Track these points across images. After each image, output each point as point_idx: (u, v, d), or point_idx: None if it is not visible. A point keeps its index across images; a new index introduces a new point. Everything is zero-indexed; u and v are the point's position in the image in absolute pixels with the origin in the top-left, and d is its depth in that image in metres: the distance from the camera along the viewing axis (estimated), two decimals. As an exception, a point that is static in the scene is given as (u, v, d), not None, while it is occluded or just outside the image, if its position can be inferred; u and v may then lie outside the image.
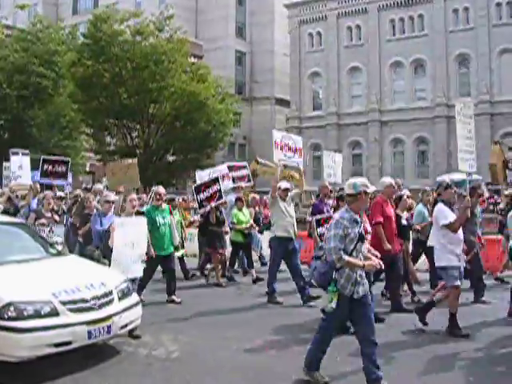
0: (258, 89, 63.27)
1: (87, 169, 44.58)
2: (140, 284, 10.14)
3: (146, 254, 9.02)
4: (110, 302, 7.11)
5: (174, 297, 10.91)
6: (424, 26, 50.48)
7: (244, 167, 16.38)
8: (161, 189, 11.19)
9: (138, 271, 8.69)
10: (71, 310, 6.60)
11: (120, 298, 7.31)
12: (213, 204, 13.01)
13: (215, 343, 7.90)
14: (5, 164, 16.29)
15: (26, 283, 6.80)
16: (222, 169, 15.67)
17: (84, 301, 6.78)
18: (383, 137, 51.63)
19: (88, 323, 6.64)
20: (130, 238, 8.42)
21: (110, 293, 7.20)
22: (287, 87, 58.62)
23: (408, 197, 11.33)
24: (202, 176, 15.61)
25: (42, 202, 12.36)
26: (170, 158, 38.28)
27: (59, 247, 9.08)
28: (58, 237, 10.70)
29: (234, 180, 15.51)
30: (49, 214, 11.25)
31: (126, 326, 7.32)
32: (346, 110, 53.76)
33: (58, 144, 34.85)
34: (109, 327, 6.91)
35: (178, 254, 12.91)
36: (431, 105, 49.69)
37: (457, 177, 14.63)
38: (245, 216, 13.96)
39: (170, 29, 35.84)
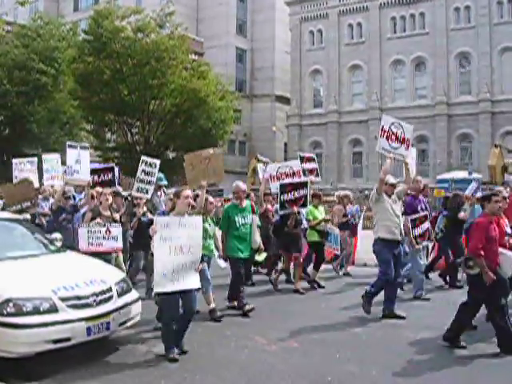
0: (259, 86, 63.21)
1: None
2: (234, 293, 9.68)
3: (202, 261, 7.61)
4: (110, 298, 7.11)
5: (235, 303, 9.92)
6: (425, 24, 50.44)
7: (313, 160, 14.60)
8: (242, 185, 10.08)
9: (193, 282, 7.10)
10: (70, 307, 6.59)
11: (119, 295, 7.31)
12: (295, 209, 11.66)
13: (215, 341, 7.89)
14: (44, 156, 15.00)
15: (25, 279, 6.80)
16: (294, 164, 13.60)
17: (83, 297, 6.78)
18: (384, 135, 51.53)
19: (87, 320, 6.64)
20: (180, 241, 6.92)
21: (110, 289, 7.19)
22: (288, 85, 58.60)
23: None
24: (270, 170, 13.85)
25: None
26: (171, 155, 38.23)
27: (58, 243, 9.06)
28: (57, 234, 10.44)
29: (304, 173, 13.60)
30: (108, 213, 9.64)
31: (125, 322, 7.32)
32: (346, 108, 53.74)
33: (58, 140, 34.79)
34: (108, 324, 6.91)
35: (258, 257, 11.95)
36: (432, 103, 49.66)
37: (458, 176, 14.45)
38: (320, 213, 12.61)
39: (170, 25, 35.82)
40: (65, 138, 35.55)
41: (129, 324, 7.47)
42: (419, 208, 11.10)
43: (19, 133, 33.91)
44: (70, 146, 12.20)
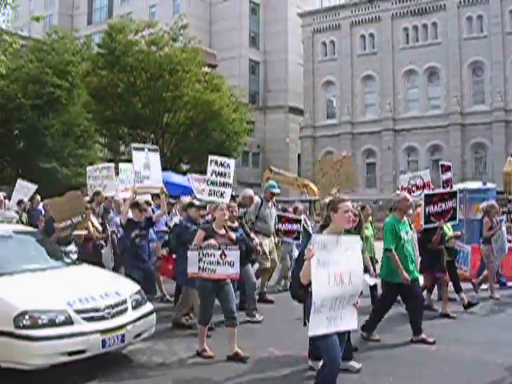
0: (272, 98, 63.37)
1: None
2: (374, 322, 8.68)
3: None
4: (124, 310, 7.12)
5: (423, 335, 8.43)
6: (437, 34, 50.39)
7: (450, 169, 12.93)
8: (407, 195, 9.12)
9: (352, 321, 5.46)
10: (85, 319, 6.61)
11: (134, 307, 7.32)
12: (443, 223, 10.33)
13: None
14: (121, 166, 13.84)
15: (40, 292, 6.83)
16: (424, 175, 12.68)
17: (98, 310, 6.78)
18: (397, 145, 51.49)
19: (102, 332, 6.64)
20: (340, 268, 5.21)
21: (124, 302, 7.20)
22: (301, 96, 58.66)
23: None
24: (401, 181, 13.10)
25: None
26: (184, 167, 38.37)
27: (74, 256, 9.08)
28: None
29: (443, 185, 12.47)
30: (222, 231, 8.06)
31: (139, 334, 7.32)
32: (359, 119, 53.70)
33: (72, 153, 35.05)
34: (123, 336, 6.92)
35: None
36: (445, 113, 49.52)
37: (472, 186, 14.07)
38: (449, 229, 11.34)
39: (183, 38, 36.07)
40: (79, 151, 35.87)
41: (144, 336, 7.49)
42: None
43: (34, 146, 34.10)
44: (137, 149, 10.74)
